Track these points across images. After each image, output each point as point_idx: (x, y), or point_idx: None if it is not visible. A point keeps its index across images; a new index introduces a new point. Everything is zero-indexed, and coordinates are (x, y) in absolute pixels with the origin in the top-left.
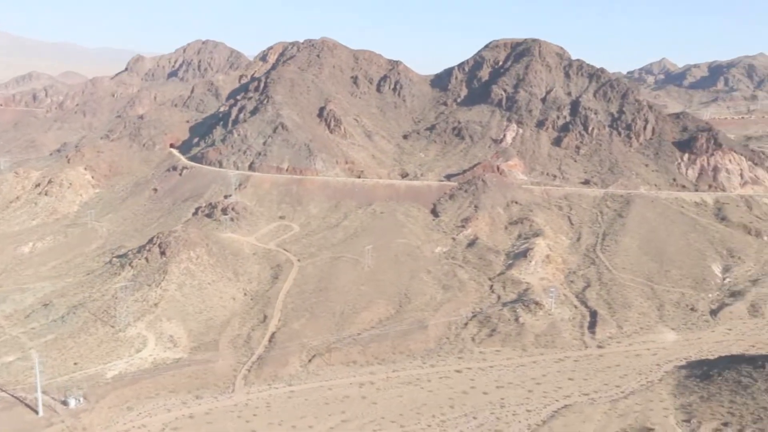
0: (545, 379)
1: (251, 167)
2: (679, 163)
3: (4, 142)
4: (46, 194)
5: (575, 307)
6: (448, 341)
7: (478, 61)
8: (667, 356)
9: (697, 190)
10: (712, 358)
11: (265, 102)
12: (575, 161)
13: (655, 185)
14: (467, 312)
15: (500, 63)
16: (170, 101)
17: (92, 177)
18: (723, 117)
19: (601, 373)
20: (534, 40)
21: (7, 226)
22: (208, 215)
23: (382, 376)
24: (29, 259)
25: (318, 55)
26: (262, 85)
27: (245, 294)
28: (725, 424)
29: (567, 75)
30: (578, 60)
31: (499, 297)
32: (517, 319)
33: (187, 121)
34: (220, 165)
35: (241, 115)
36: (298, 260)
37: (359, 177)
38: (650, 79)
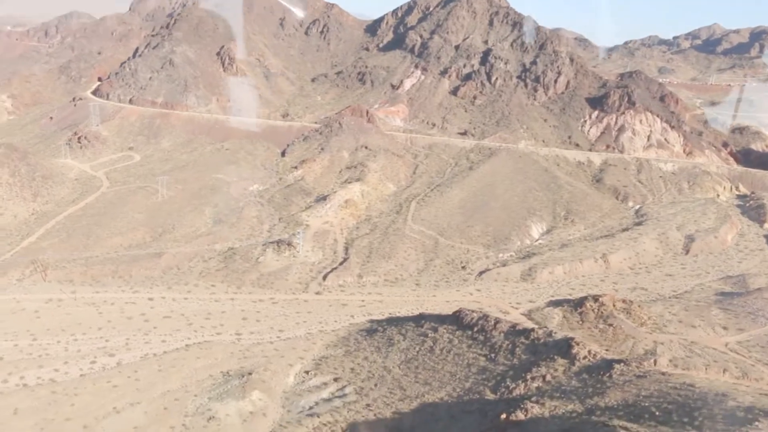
0: (221, 316)
1: (131, 101)
2: (585, 121)
3: None
4: None
5: (334, 252)
6: (178, 271)
7: (411, 6)
8: (372, 309)
9: (591, 150)
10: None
11: (166, 38)
12: (466, 111)
13: (543, 141)
14: (223, 247)
15: (430, 9)
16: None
17: (11, 105)
18: (721, 83)
19: (281, 318)
20: None
21: None
22: (68, 143)
23: (78, 295)
24: None
25: None
26: (172, 22)
27: (32, 214)
28: (336, 379)
29: (491, 23)
30: (506, 7)
31: (270, 235)
32: (258, 258)
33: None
34: (107, 97)
35: (146, 51)
36: (108, 187)
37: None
38: (686, 44)
